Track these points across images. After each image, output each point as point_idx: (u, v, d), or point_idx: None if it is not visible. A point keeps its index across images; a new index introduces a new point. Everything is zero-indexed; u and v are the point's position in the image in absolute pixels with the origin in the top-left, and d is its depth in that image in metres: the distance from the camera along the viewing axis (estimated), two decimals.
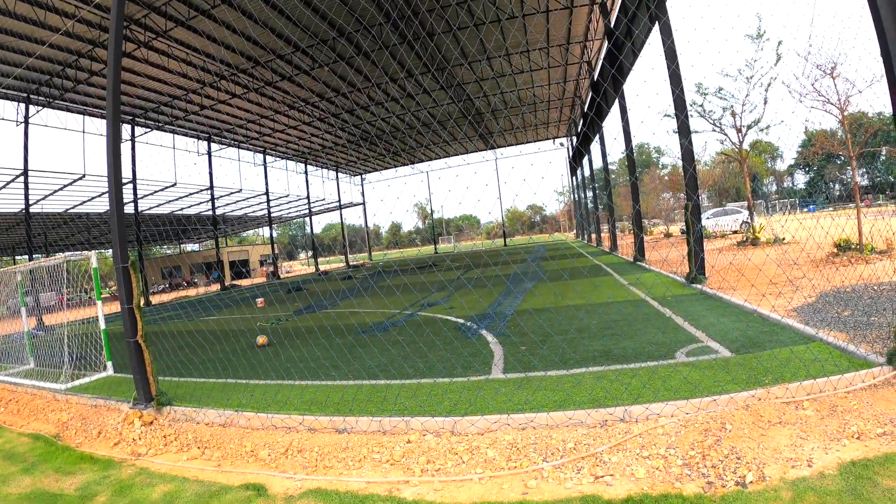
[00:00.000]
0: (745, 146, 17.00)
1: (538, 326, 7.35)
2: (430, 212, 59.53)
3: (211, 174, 29.80)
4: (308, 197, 40.72)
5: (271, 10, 16.07)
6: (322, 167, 43.71)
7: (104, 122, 23.72)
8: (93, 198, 25.50)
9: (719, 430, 3.18)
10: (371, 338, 7.84)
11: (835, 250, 10.06)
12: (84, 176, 21.60)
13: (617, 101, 15.77)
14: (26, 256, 31.77)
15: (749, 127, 16.39)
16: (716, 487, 2.67)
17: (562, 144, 42.28)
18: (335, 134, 33.34)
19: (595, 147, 25.48)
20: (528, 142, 42.10)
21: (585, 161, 28.94)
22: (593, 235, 30.27)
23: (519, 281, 13.37)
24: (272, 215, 39.11)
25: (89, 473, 3.97)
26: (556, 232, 71.41)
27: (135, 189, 24.26)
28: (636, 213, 17.01)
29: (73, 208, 26.70)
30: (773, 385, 3.68)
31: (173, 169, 26.87)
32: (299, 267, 59.36)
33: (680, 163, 11.01)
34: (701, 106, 17.10)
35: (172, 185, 27.18)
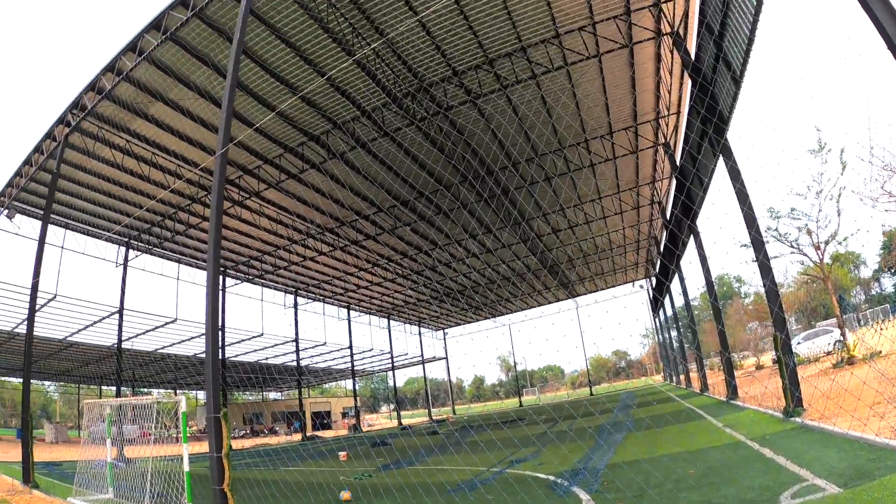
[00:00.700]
0: (826, 260, 16.25)
1: (632, 481, 7.05)
2: (512, 364, 59.46)
3: (296, 326, 32.09)
4: (391, 351, 42.82)
5: (356, 174, 17.57)
6: (405, 322, 46.18)
7: (196, 270, 26.11)
8: (182, 341, 28.18)
9: None
10: (461, 497, 7.86)
11: None
12: (175, 320, 23.90)
13: (692, 236, 16.08)
14: (113, 388, 36.00)
15: (827, 242, 15.92)
16: None
17: (641, 286, 43.00)
18: (417, 290, 35.24)
19: (676, 285, 25.09)
20: (606, 287, 42.61)
21: (668, 301, 28.50)
22: (682, 377, 28.92)
23: (608, 433, 13.23)
24: (355, 368, 40.99)
25: None
26: (643, 376, 69.75)
27: (223, 336, 25.93)
28: (723, 343, 15.73)
29: (162, 348, 29.52)
30: None
31: (260, 319, 29.27)
32: (381, 420, 59.96)
33: (762, 289, 10.94)
34: (776, 230, 17.19)
35: (259, 335, 29.52)
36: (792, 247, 16.80)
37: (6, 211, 17.56)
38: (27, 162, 16.33)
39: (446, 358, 52.07)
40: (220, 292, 27.61)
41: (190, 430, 8.76)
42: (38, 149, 15.68)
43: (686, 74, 13.48)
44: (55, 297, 19.39)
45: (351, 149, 16.63)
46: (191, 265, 25.28)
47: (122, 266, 21.72)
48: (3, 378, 47.81)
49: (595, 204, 22.73)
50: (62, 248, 19.95)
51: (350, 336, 37.36)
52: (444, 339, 52.65)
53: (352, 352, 38.01)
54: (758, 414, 10.61)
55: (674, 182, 17.77)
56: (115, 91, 13.19)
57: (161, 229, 21.42)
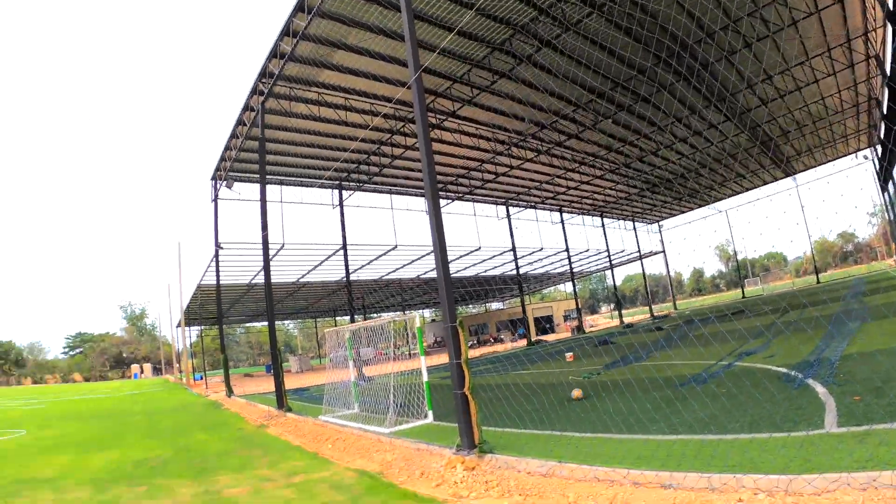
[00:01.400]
0: None
1: (870, 373, 6.92)
2: (732, 252, 58.91)
3: (512, 236, 36.65)
4: (607, 250, 45.99)
5: (547, 74, 19.47)
6: (619, 218, 48.80)
7: (407, 197, 30.85)
8: (404, 265, 34.32)
9: None
10: (689, 391, 8.76)
11: None
12: (395, 247, 29.09)
13: None
14: (345, 317, 45.96)
15: None
16: None
17: (865, 157, 40.21)
18: (628, 183, 37.06)
19: None
20: (826, 161, 41.39)
21: None
22: None
23: (840, 322, 13.50)
24: (573, 270, 44.89)
25: None
26: (872, 261, 71.21)
27: (444, 254, 32.56)
28: None
29: (386, 275, 36.31)
30: None
31: (476, 234, 34.05)
32: (602, 321, 66.13)
33: None
34: None
35: (477, 249, 34.62)
36: None
37: (225, 182, 23.05)
38: (233, 135, 21.31)
39: (663, 251, 55.69)
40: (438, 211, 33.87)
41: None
42: (239, 121, 20.34)
43: None
44: (283, 246, 24.62)
45: (537, 50, 17.92)
46: (401, 193, 29.97)
47: (338, 207, 26.96)
48: (248, 324, 64.62)
49: (804, 67, 22.19)
50: (281, 202, 25.24)
51: (565, 238, 41.45)
52: (660, 231, 55.89)
53: (568, 254, 42.03)
54: None
55: (889, 29, 17.10)
56: (297, 51, 15.98)
57: (367, 166, 25.79)
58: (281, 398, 14.37)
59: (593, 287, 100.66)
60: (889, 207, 40.95)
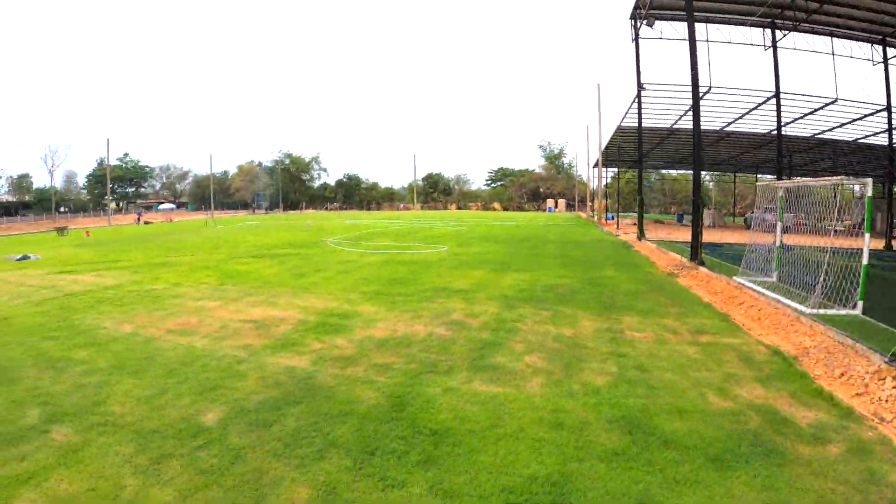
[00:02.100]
0: None
1: None
2: None
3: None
4: None
5: None
6: None
7: (852, 42, 28.50)
8: (842, 124, 34.41)
9: None
10: None
11: None
12: (835, 100, 29.15)
13: None
14: (767, 176, 45.39)
15: None
16: None
17: None
18: None
19: None
20: None
21: None
22: None
23: None
24: None
25: (825, 415, 5.61)
26: None
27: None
28: None
29: (819, 133, 37.46)
30: None
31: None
32: None
33: None
34: None
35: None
36: None
37: (645, 21, 26.20)
38: None
39: None
40: None
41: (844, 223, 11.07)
42: None
43: None
44: (710, 89, 27.39)
45: None
46: (843, 36, 29.56)
47: (770, 49, 27.86)
48: (664, 170, 73.83)
49: None
50: (707, 41, 28.12)
51: None
52: None
53: None
54: None
55: None
56: None
57: (807, 1, 25.58)
58: (696, 250, 16.93)
59: None
60: None
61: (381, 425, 5.18)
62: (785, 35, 28.85)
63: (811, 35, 29.60)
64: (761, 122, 34.66)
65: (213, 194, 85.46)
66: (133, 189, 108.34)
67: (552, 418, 5.36)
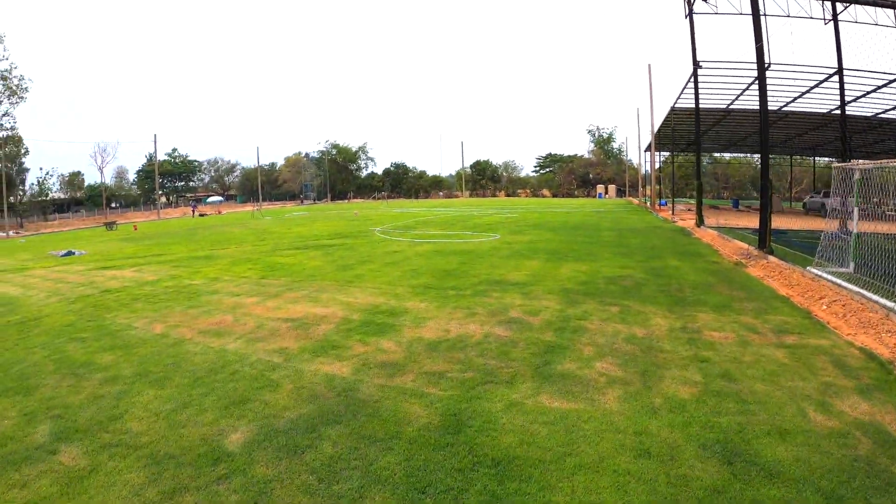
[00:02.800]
0: None
1: None
2: None
3: None
4: None
5: None
6: None
7: None
8: None
9: None
10: None
11: None
12: None
13: None
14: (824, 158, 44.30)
15: None
16: None
17: None
18: None
19: None
20: None
21: None
22: None
23: None
24: None
25: None
26: None
27: None
28: None
29: (881, 113, 34.92)
30: None
31: None
32: None
33: None
34: None
35: None
36: None
37: None
38: None
39: None
40: None
41: None
42: None
43: None
44: (769, 66, 24.91)
45: None
46: None
47: (830, 22, 25.78)
48: (717, 153, 72.02)
49: None
50: (764, 14, 24.66)
51: None
52: None
53: None
54: None
55: None
56: None
57: None
58: (764, 237, 16.10)
59: None
60: None
61: (433, 452, 4.37)
62: (846, 7, 27.11)
63: (872, 7, 27.59)
64: (820, 102, 33.24)
65: (260, 186, 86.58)
66: (182, 183, 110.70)
67: (636, 443, 4.49)
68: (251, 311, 9.48)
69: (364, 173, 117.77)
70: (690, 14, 27.12)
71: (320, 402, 5.43)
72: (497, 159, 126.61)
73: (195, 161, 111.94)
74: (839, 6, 26.62)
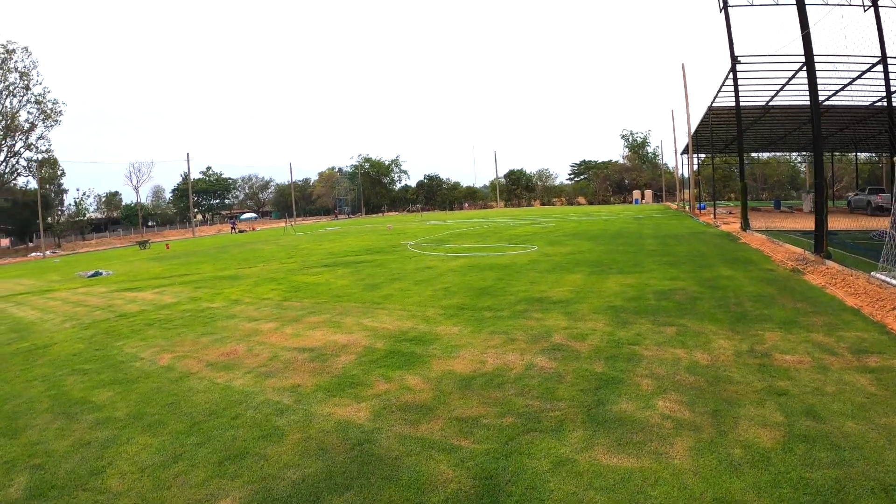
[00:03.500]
0: None
1: None
2: None
3: None
4: None
5: None
6: None
7: None
8: None
9: None
10: None
11: None
12: None
13: None
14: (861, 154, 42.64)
15: None
16: None
17: None
18: None
19: None
20: None
21: None
22: None
23: None
24: None
25: None
26: None
27: None
28: None
29: None
30: None
31: None
32: None
33: None
34: None
35: None
36: None
37: None
38: None
39: None
40: None
41: None
42: None
43: None
44: (805, 64, 23.44)
45: None
46: None
47: (870, 8, 23.72)
48: (754, 153, 70.35)
49: None
50: (804, 3, 24.12)
51: None
52: None
53: None
54: None
55: None
56: None
57: None
58: (821, 240, 15.27)
59: None
60: None
61: None
62: None
63: None
64: (862, 94, 31.96)
65: (293, 202, 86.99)
66: (217, 201, 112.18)
67: None
68: (267, 338, 8.72)
69: (397, 186, 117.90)
70: (725, 7, 26.06)
71: (330, 458, 4.58)
72: (531, 168, 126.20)
73: (229, 179, 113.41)
74: None
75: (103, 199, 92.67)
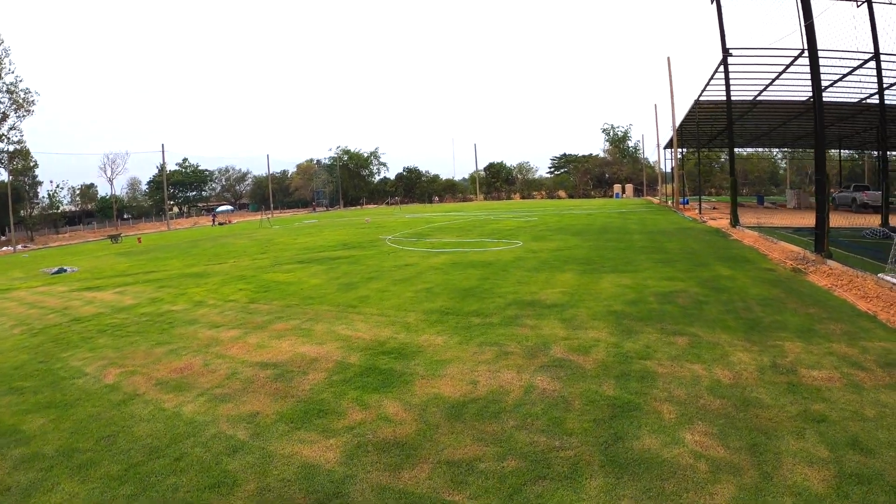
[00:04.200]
0: None
1: None
2: None
3: None
4: None
5: None
6: None
7: None
8: None
9: None
10: None
11: None
12: None
13: None
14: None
15: None
16: None
17: None
18: None
19: None
20: None
21: None
22: None
23: None
24: None
25: None
26: None
27: None
28: None
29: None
30: None
31: None
32: None
33: None
34: None
35: None
36: None
37: None
38: None
39: None
40: None
41: None
42: None
43: None
44: (802, 52, 23.30)
45: None
46: None
47: (863, 4, 23.35)
48: (738, 149, 69.32)
49: None
50: None
51: None
52: None
53: None
54: None
55: None
56: None
57: None
58: (822, 239, 14.85)
59: None
60: None
61: None
62: None
63: None
64: (850, 91, 31.80)
65: (271, 194, 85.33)
66: (194, 193, 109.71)
67: None
68: (227, 350, 7.72)
69: (376, 179, 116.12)
70: None
71: None
72: (511, 161, 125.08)
73: (206, 170, 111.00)
74: None
75: (78, 192, 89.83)
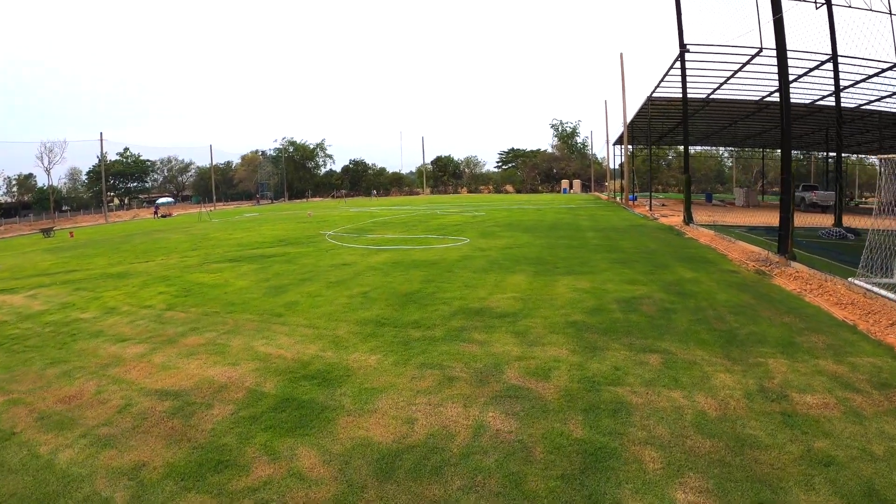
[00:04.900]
0: None
1: None
2: None
3: None
4: None
5: None
6: None
7: None
8: (893, 94, 30.05)
9: None
10: None
11: None
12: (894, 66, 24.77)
13: None
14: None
15: None
16: None
17: None
18: None
19: None
20: None
21: None
22: None
23: None
24: None
25: None
26: None
27: None
28: None
29: (867, 104, 33.52)
30: None
31: None
32: None
33: None
34: None
35: None
36: None
37: None
38: None
39: None
40: None
41: None
42: None
43: None
44: (760, 51, 23.69)
45: None
46: None
47: (823, 6, 23.39)
48: (682, 146, 71.57)
49: None
50: None
51: None
52: None
53: None
54: None
55: None
56: None
57: None
58: (785, 240, 14.53)
59: None
60: None
61: None
62: None
63: None
64: (803, 92, 32.15)
65: (213, 186, 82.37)
66: (136, 184, 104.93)
67: None
68: (126, 372, 6.47)
69: (322, 171, 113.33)
70: None
71: None
72: (459, 155, 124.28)
73: (148, 161, 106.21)
74: None
75: (14, 182, 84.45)
